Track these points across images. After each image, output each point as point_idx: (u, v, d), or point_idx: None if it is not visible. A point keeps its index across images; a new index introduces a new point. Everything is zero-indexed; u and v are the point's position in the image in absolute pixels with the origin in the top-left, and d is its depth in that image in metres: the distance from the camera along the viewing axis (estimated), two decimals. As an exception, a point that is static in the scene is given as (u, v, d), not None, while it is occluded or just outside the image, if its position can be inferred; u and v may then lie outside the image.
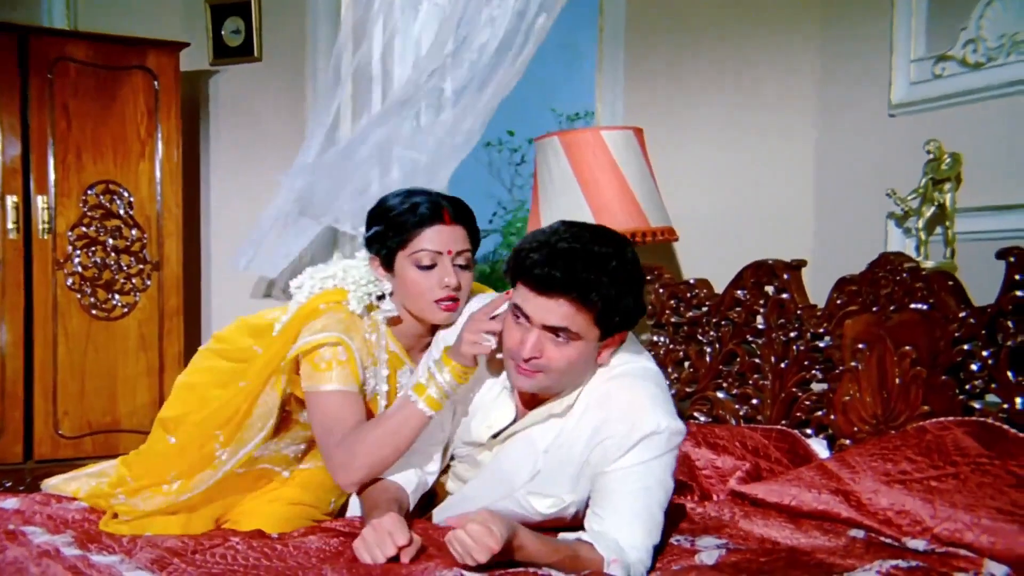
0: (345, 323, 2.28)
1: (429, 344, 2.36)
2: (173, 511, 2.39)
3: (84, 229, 4.07)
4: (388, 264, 2.29)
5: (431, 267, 2.23)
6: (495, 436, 2.19)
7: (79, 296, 4.05)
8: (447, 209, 2.25)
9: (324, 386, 2.24)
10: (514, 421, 2.17)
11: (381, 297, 2.34)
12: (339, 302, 2.32)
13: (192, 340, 4.42)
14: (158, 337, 4.22)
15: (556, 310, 1.94)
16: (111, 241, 4.13)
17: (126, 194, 4.15)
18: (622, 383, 2.08)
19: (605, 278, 1.92)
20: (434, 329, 2.35)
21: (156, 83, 4.17)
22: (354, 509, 2.39)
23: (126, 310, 4.16)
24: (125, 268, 4.15)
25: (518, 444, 2.15)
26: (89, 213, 4.08)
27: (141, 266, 4.18)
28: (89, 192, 4.08)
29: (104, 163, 4.11)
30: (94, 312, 4.10)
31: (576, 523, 2.12)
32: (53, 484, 2.61)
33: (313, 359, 2.25)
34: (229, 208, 4.60)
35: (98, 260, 4.10)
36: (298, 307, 2.36)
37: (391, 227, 2.25)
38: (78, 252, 4.05)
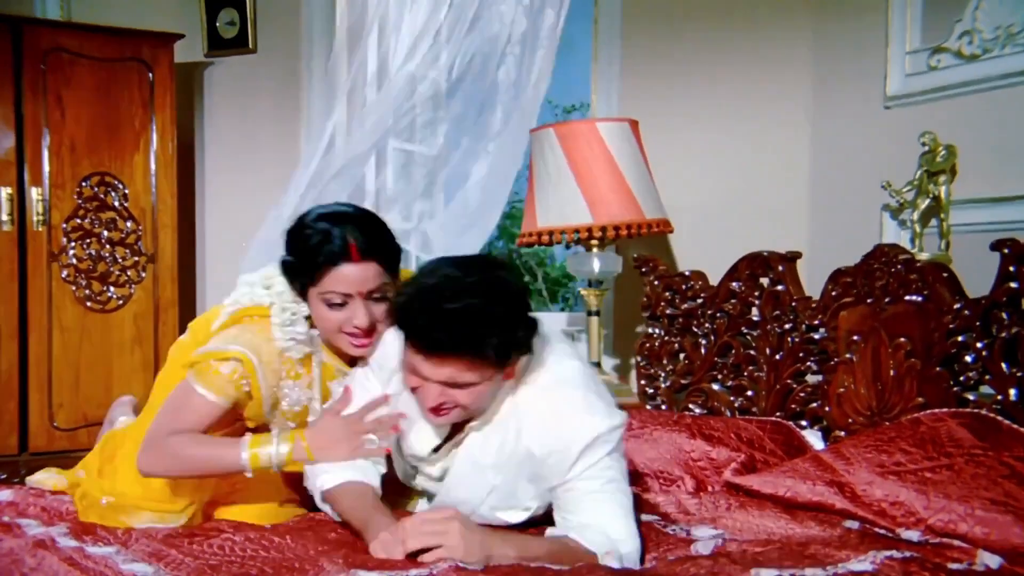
0: (256, 341, 2.22)
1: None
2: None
3: (79, 221, 4.07)
4: (302, 294, 2.22)
5: (342, 305, 2.15)
6: (435, 450, 2.17)
7: (74, 288, 4.05)
8: (355, 246, 2.11)
9: (198, 385, 2.20)
10: (449, 436, 2.15)
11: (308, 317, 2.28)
12: (264, 316, 2.25)
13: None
14: (153, 329, 4.22)
15: (450, 369, 1.91)
16: (106, 233, 4.12)
17: (121, 186, 4.15)
18: (549, 396, 2.04)
19: (494, 329, 1.88)
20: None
21: (151, 75, 4.17)
22: None
23: (121, 302, 4.16)
24: (120, 260, 4.15)
25: (464, 467, 2.12)
26: (84, 205, 4.08)
27: (136, 258, 4.18)
28: (84, 184, 4.08)
29: (98, 155, 4.11)
30: (89, 304, 4.09)
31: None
32: (37, 479, 2.61)
33: (209, 360, 2.20)
34: (224, 200, 4.60)
35: (93, 252, 4.10)
36: (228, 317, 2.30)
37: (302, 261, 2.16)
38: (73, 244, 4.05)
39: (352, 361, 2.30)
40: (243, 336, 2.22)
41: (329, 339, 2.24)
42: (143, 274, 4.20)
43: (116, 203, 4.14)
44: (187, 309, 4.48)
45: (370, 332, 2.17)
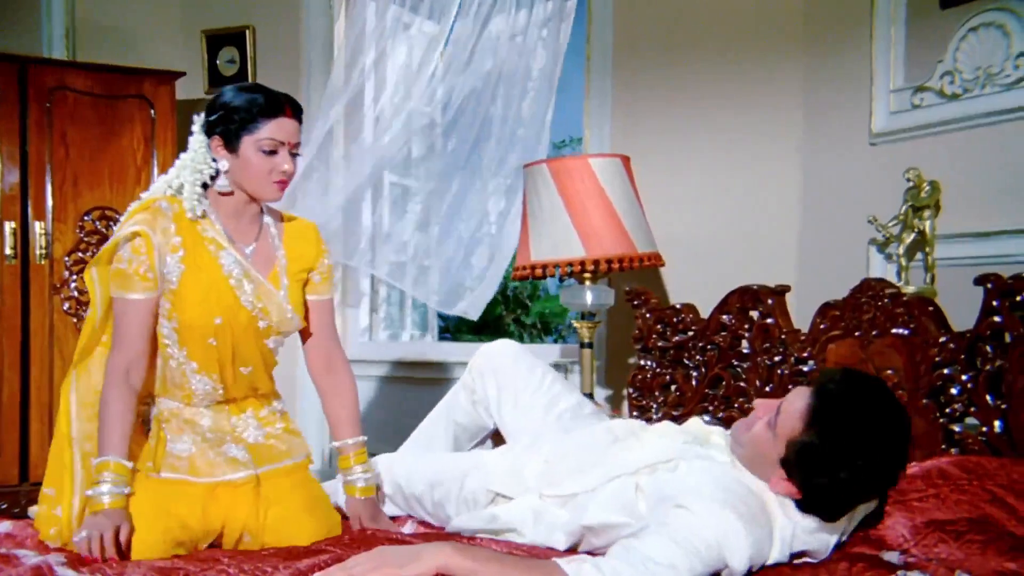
0: (148, 217, 2.46)
1: (252, 226, 2.58)
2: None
3: (80, 254, 4.12)
4: (230, 146, 2.46)
5: (272, 153, 2.45)
6: None
7: (75, 320, 4.09)
8: (287, 105, 2.48)
9: (116, 291, 2.45)
10: None
11: (214, 177, 2.52)
12: (150, 203, 2.51)
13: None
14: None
15: None
16: (107, 266, 4.18)
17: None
18: None
19: None
20: (248, 208, 2.56)
21: (152, 111, 4.24)
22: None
23: (121, 334, 4.20)
24: (121, 293, 4.20)
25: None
26: (85, 239, 4.13)
27: (136, 291, 4.23)
28: (86, 218, 4.14)
29: (101, 190, 4.17)
30: (90, 336, 4.14)
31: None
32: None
33: (115, 260, 2.45)
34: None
35: (94, 285, 4.15)
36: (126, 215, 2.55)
37: (239, 112, 2.44)
38: (74, 277, 4.10)
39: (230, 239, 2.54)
40: (137, 219, 2.47)
41: (249, 185, 2.49)
42: (143, 307, 4.24)
43: (117, 237, 4.20)
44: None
45: (288, 181, 2.52)
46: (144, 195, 2.62)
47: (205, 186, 2.53)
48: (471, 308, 4.32)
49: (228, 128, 2.45)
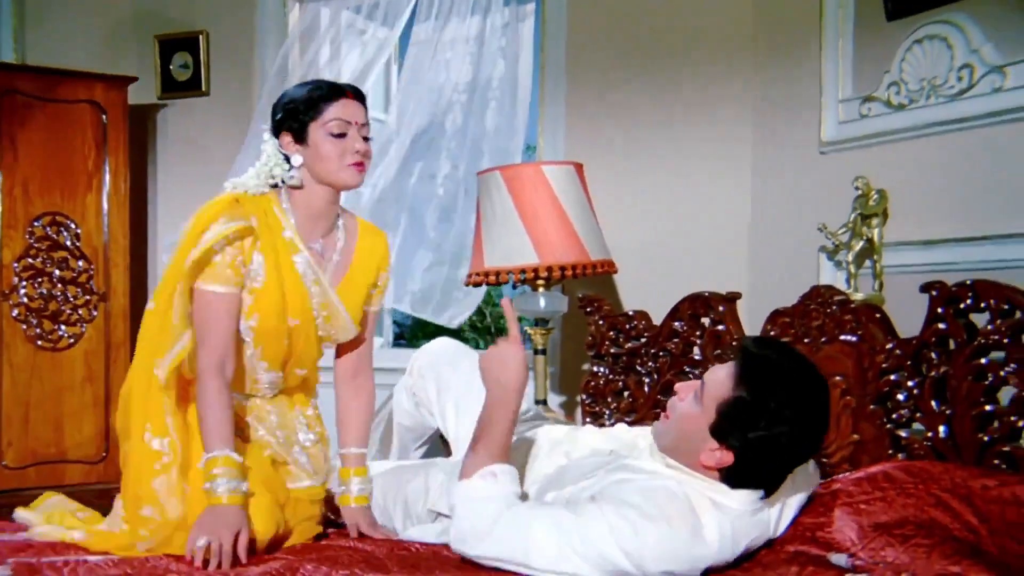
0: (240, 212, 2.40)
1: (326, 230, 2.55)
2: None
3: (30, 260, 4.08)
4: (300, 137, 2.46)
5: (342, 135, 2.44)
6: None
7: (24, 327, 4.05)
8: (349, 89, 2.49)
9: (205, 284, 2.39)
10: None
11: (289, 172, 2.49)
12: (235, 199, 2.44)
13: (138, 371, 4.42)
14: (104, 368, 4.23)
15: None
16: (57, 272, 4.14)
17: (73, 226, 4.17)
18: None
19: None
20: (330, 210, 2.53)
21: (104, 116, 4.20)
22: None
23: (72, 341, 4.16)
24: (72, 299, 4.16)
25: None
26: (35, 244, 4.09)
27: (88, 297, 4.19)
28: (36, 224, 4.09)
29: (51, 195, 4.13)
30: (40, 343, 4.10)
31: None
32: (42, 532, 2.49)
33: (212, 256, 2.38)
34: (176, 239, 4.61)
35: (44, 291, 4.11)
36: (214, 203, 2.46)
37: (303, 103, 2.45)
38: (24, 283, 4.06)
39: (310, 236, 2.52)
40: (235, 214, 2.40)
41: (326, 173, 2.46)
42: (95, 313, 4.21)
43: (68, 242, 4.16)
44: (138, 348, 4.48)
45: (364, 162, 2.47)
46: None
47: (276, 186, 2.51)
48: (455, 317, 4.34)
49: (294, 121, 2.46)
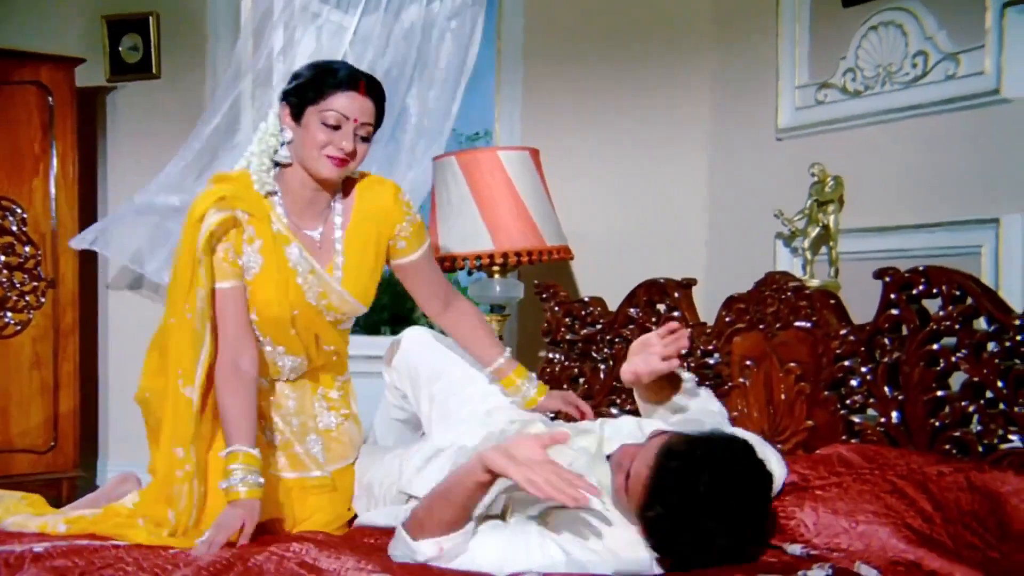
0: (225, 202, 2.38)
1: (321, 216, 2.51)
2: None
3: (-26, 247, 4.00)
4: (296, 114, 2.41)
5: (335, 128, 2.36)
6: None
7: (-31, 314, 3.97)
8: (364, 82, 2.39)
9: (219, 283, 2.39)
10: None
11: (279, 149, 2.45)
12: (220, 195, 2.39)
13: (87, 358, 4.36)
14: (52, 354, 4.15)
15: None
16: (3, 258, 4.06)
17: (19, 210, 4.08)
18: None
19: None
20: (318, 196, 2.49)
21: (51, 99, 4.11)
22: None
23: (19, 328, 4.09)
24: (18, 285, 4.08)
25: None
26: (-21, 230, 4.01)
27: (35, 283, 4.12)
28: (-21, 208, 4.01)
29: (-4, 179, 4.05)
30: (-15, 330, 4.02)
31: None
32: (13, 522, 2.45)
33: (216, 248, 2.37)
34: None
35: (-11, 277, 4.03)
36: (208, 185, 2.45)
37: (310, 82, 2.38)
38: (-32, 270, 3.98)
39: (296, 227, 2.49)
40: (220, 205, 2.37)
41: (306, 159, 2.41)
42: (42, 299, 4.13)
43: (14, 228, 4.07)
44: (88, 335, 4.41)
45: (346, 160, 2.40)
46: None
47: (277, 164, 2.47)
48: None
49: (296, 96, 2.40)
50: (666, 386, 2.60)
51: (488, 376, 2.82)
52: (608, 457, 2.24)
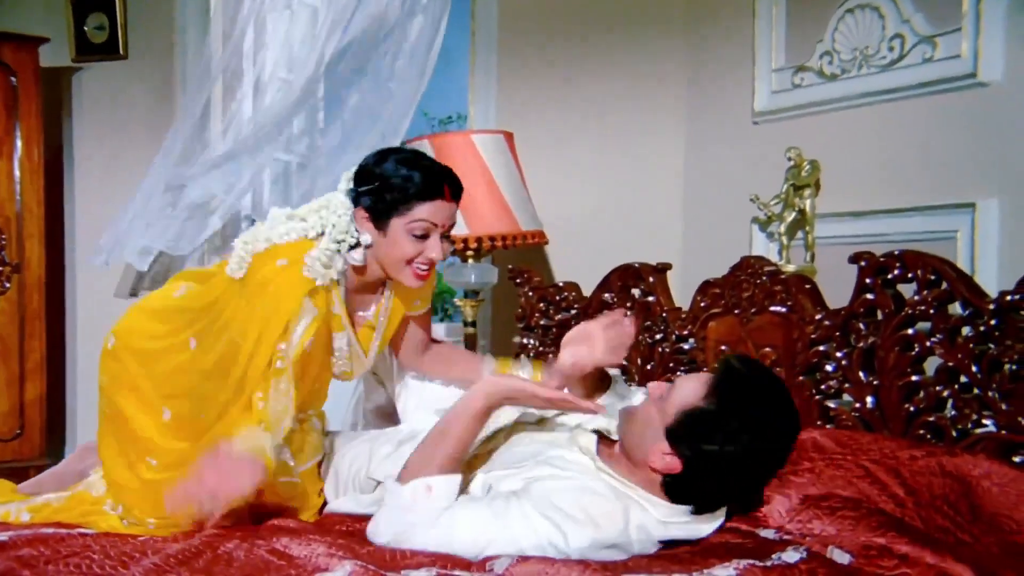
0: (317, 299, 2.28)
1: (374, 300, 2.46)
2: None
3: (-63, 231, 3.92)
4: (378, 222, 2.29)
5: (422, 237, 2.28)
6: None
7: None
8: (448, 187, 2.31)
9: None
10: None
11: (353, 247, 2.33)
12: (300, 257, 2.27)
13: (55, 344, 4.30)
14: (18, 341, 4.08)
15: None
16: (-34, 243, 3.99)
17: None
18: None
19: None
20: (376, 289, 2.45)
21: (13, 79, 4.04)
22: None
23: (-17, 314, 4.02)
24: (-18, 270, 4.02)
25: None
26: (-59, 216, 3.93)
27: (0, 268, 4.05)
28: (-59, 192, 3.94)
29: (-43, 162, 3.97)
30: (-52, 316, 3.95)
31: None
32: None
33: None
34: (94, 208, 4.47)
35: (-48, 263, 3.96)
36: (265, 250, 2.29)
37: (395, 190, 2.27)
38: (-71, 256, 3.91)
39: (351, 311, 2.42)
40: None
41: (389, 267, 2.34)
42: (7, 285, 4.06)
43: (-23, 212, 4.01)
44: (55, 320, 4.35)
45: (432, 269, 2.37)
46: (275, 232, 2.33)
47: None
48: None
49: (379, 204, 2.28)
50: (599, 386, 2.55)
51: None
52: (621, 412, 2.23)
